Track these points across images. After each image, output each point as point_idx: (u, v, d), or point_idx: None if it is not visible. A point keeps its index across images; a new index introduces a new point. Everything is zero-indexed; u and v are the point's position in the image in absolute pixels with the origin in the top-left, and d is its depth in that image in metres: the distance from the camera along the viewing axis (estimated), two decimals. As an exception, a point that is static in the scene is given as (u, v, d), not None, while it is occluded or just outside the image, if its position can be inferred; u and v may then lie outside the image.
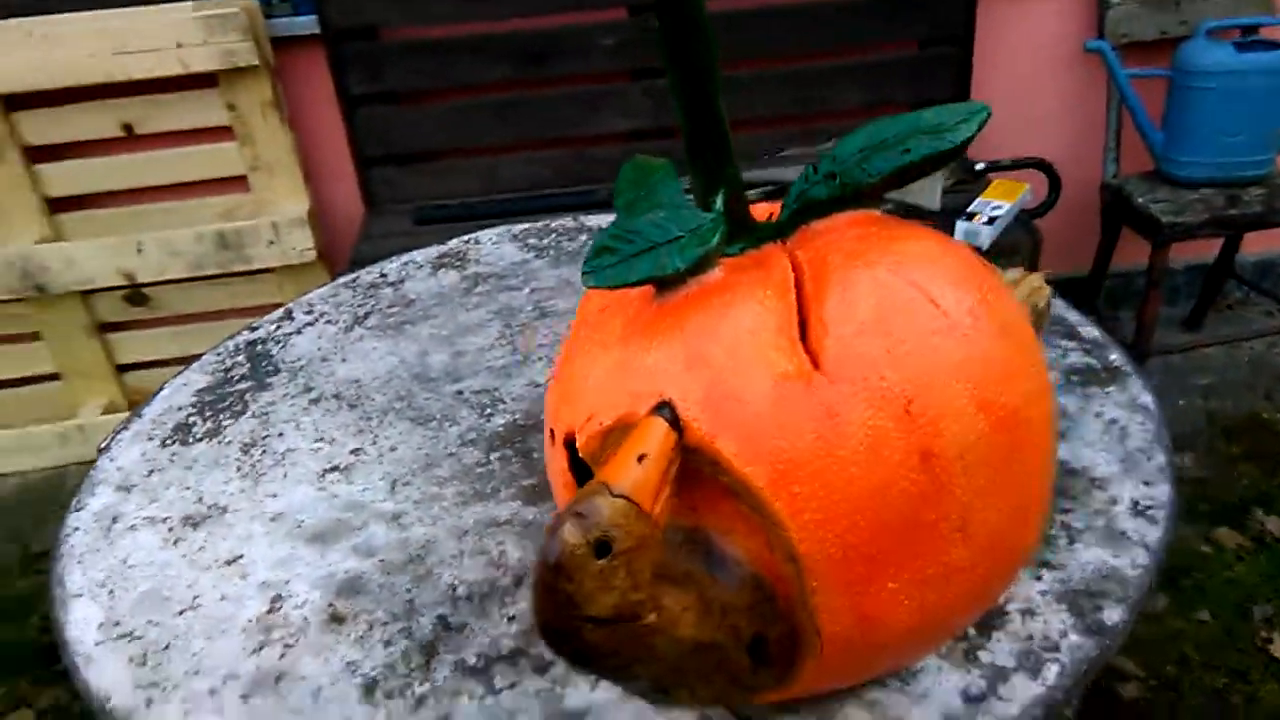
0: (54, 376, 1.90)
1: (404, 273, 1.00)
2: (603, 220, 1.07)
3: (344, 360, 0.85)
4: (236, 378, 0.84)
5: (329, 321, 0.93)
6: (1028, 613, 0.51)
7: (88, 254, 1.74)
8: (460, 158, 1.78)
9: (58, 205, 1.80)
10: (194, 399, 0.82)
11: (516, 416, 0.73)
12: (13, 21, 1.61)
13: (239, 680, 0.52)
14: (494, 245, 1.05)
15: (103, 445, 0.78)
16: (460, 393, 0.78)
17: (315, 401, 0.79)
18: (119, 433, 0.79)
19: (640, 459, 0.35)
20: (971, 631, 0.51)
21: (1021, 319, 0.43)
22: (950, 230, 1.46)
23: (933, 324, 0.39)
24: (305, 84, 1.75)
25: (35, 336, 1.88)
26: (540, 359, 0.82)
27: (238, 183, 1.78)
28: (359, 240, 1.69)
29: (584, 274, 0.39)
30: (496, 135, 1.74)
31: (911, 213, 1.60)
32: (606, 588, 0.33)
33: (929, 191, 1.57)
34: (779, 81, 1.80)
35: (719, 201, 0.41)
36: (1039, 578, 0.54)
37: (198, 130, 1.74)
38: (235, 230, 1.72)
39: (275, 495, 0.68)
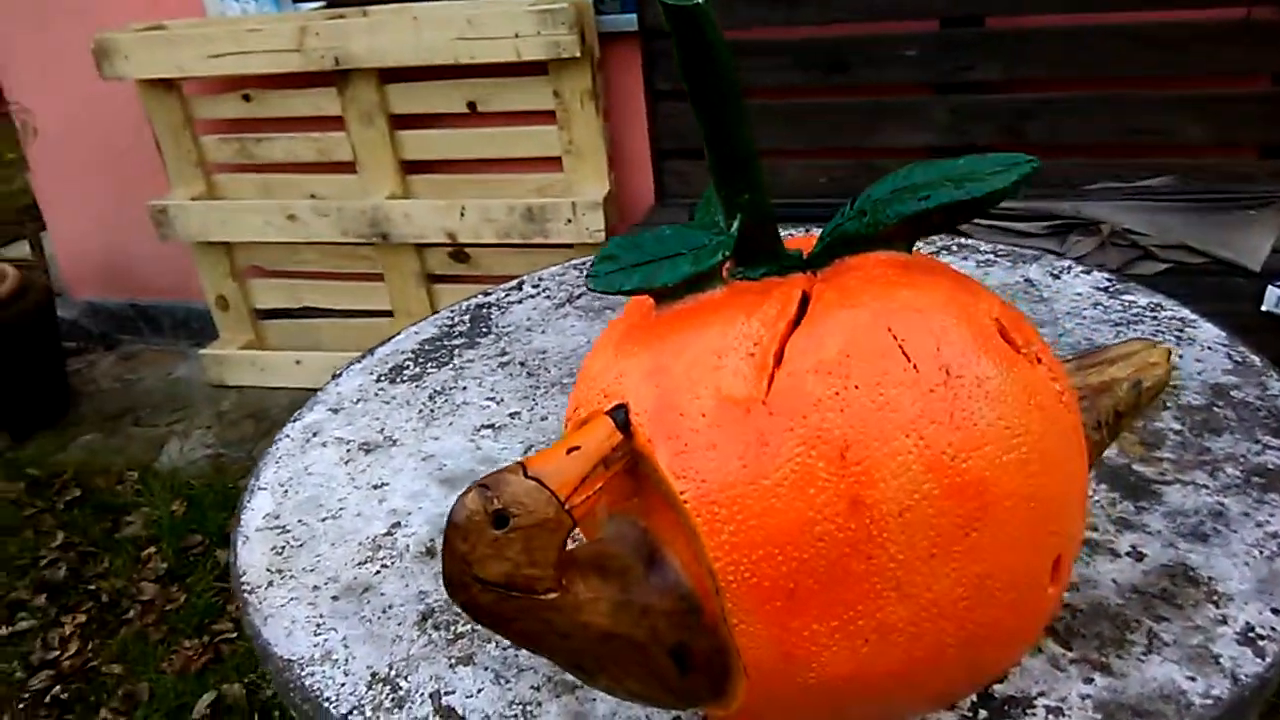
0: (387, 313, 2.22)
1: None
2: None
3: (543, 333, 0.93)
4: (456, 334, 0.95)
5: (547, 296, 1.02)
6: (1056, 711, 0.47)
7: (422, 212, 2.00)
8: (750, 159, 1.83)
9: (409, 167, 2.09)
10: (416, 346, 0.94)
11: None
12: (394, 5, 1.89)
13: (337, 584, 0.62)
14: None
15: (337, 373, 0.93)
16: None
17: (503, 365, 0.88)
18: (352, 364, 0.93)
19: (570, 451, 0.39)
20: (984, 713, 0.48)
21: (1042, 392, 0.40)
22: (1261, 294, 1.27)
23: (895, 375, 0.38)
24: (622, 77, 1.89)
25: (379, 278, 2.20)
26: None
27: (553, 163, 1.96)
28: (645, 220, 1.80)
29: (587, 277, 0.42)
30: (784, 139, 1.77)
31: (1230, 269, 1.41)
32: (499, 557, 0.36)
33: (1253, 250, 1.38)
34: (1101, 107, 1.65)
35: (734, 226, 0.43)
36: (1090, 680, 0.49)
37: (527, 113, 1.94)
38: (541, 206, 1.90)
39: (436, 439, 0.77)
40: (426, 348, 0.93)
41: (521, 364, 0.87)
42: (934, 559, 0.38)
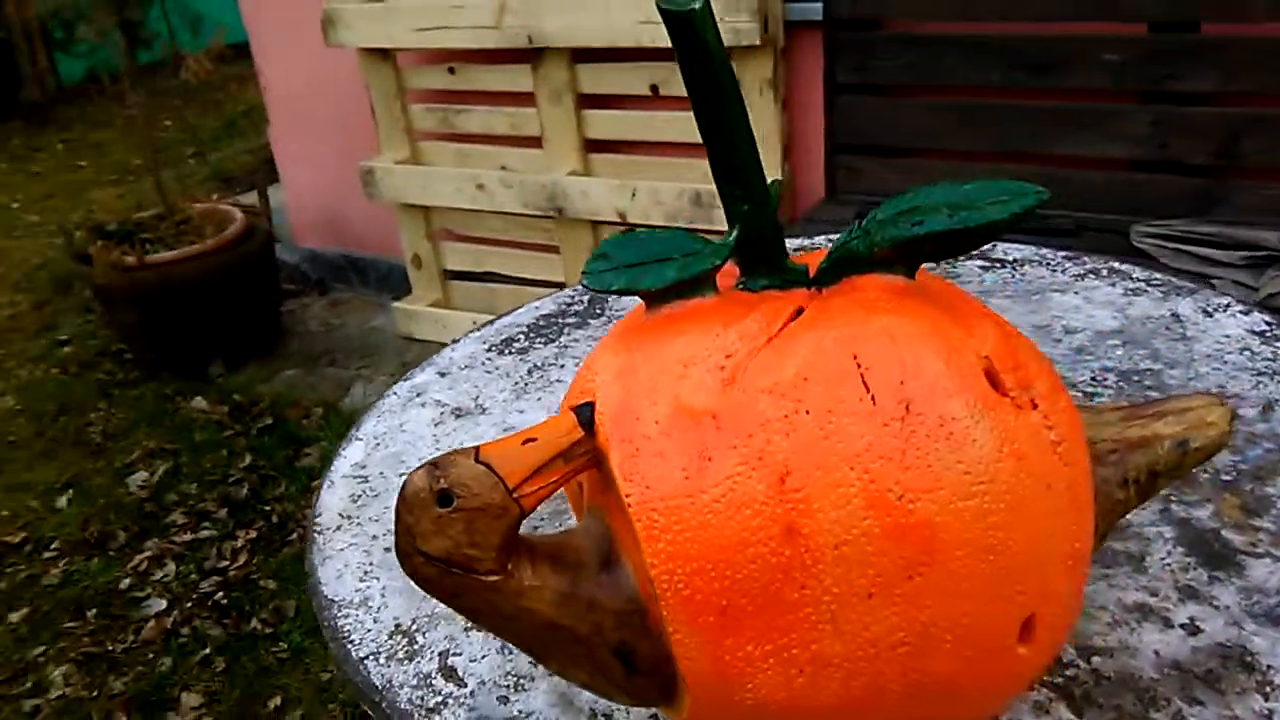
0: (560, 284, 2.29)
1: None
2: (1022, 250, 1.00)
3: (650, 320, 0.95)
4: (571, 312, 0.98)
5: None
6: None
7: (597, 190, 2.05)
8: (926, 158, 1.76)
9: (591, 145, 2.15)
10: (532, 320, 0.98)
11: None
12: (589, -12, 1.94)
13: (392, 537, 0.66)
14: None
15: (454, 340, 0.98)
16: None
17: (604, 347, 0.90)
18: (471, 332, 0.98)
19: (526, 442, 0.40)
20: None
21: (1024, 440, 0.37)
22: None
23: (849, 404, 0.36)
24: (805, 67, 1.86)
25: (555, 250, 2.28)
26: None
27: (728, 150, 1.96)
28: (800, 220, 1.77)
29: (582, 272, 0.43)
30: (970, 140, 1.68)
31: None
32: (441, 534, 0.38)
33: None
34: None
35: (732, 235, 0.42)
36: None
37: (707, 98, 1.94)
38: (710, 192, 1.91)
39: (521, 412, 0.80)
40: (540, 323, 0.96)
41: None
42: (873, 598, 0.36)
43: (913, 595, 0.36)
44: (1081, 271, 0.94)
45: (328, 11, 2.25)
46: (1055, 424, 0.39)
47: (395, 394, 0.86)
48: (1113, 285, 0.90)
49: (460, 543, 0.39)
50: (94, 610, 1.67)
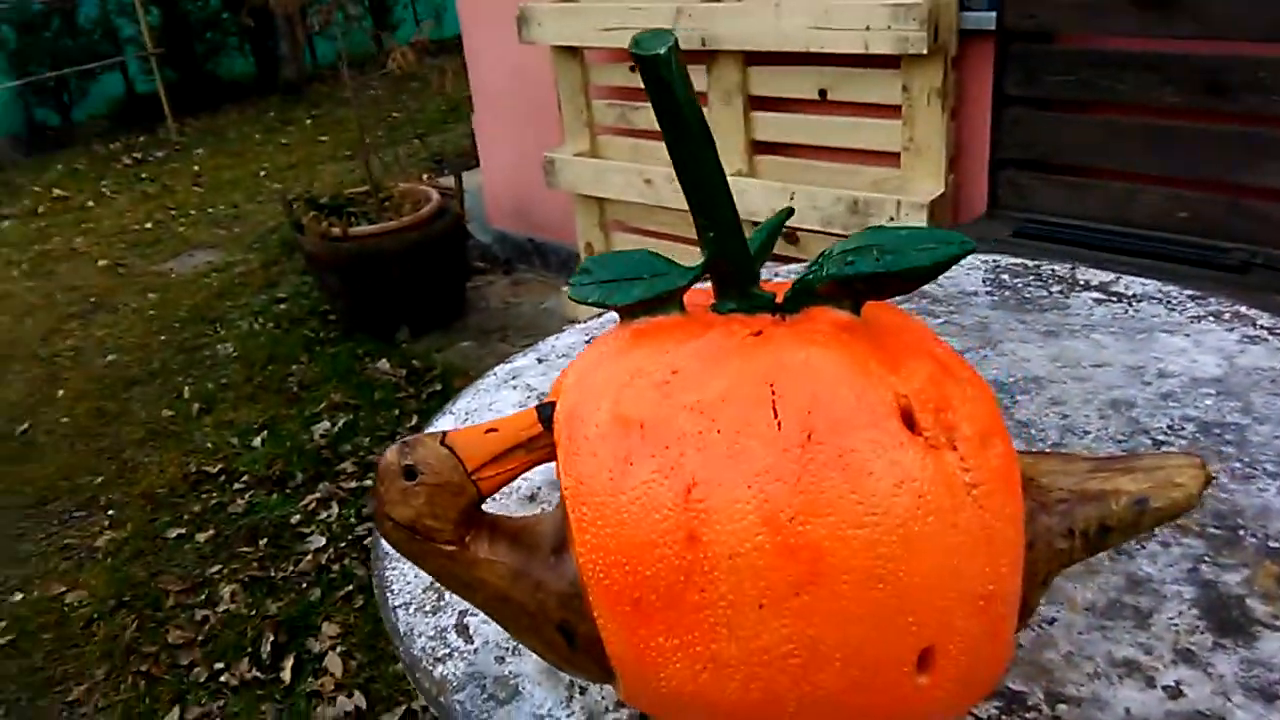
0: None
1: None
2: (1145, 286, 0.96)
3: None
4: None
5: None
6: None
7: (756, 192, 2.08)
8: (1092, 177, 1.66)
9: (758, 147, 2.17)
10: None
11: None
12: (765, -7, 1.96)
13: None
14: (965, 274, 1.03)
15: (563, 327, 1.05)
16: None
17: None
18: (577, 324, 1.04)
19: (489, 431, 0.45)
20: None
21: (927, 479, 0.39)
22: None
23: (757, 427, 0.39)
24: (976, 77, 1.80)
25: (718, 247, 2.32)
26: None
27: (891, 159, 1.93)
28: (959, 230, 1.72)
29: (568, 283, 0.48)
30: (1141, 162, 1.58)
31: None
32: (405, 503, 0.44)
33: None
34: None
35: (702, 260, 0.46)
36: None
37: (874, 105, 1.92)
38: (865, 200, 1.89)
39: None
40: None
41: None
42: (763, 609, 0.39)
43: (800, 611, 0.39)
44: (1201, 313, 0.89)
45: (522, 10, 2.39)
46: (974, 467, 0.40)
47: (494, 374, 0.93)
48: (1230, 330, 0.85)
49: (422, 513, 0.44)
50: (265, 539, 1.87)
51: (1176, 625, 0.54)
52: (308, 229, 2.60)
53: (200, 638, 1.59)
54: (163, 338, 2.89)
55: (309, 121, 5.74)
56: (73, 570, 1.82)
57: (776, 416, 0.39)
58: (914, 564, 0.39)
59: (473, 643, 0.60)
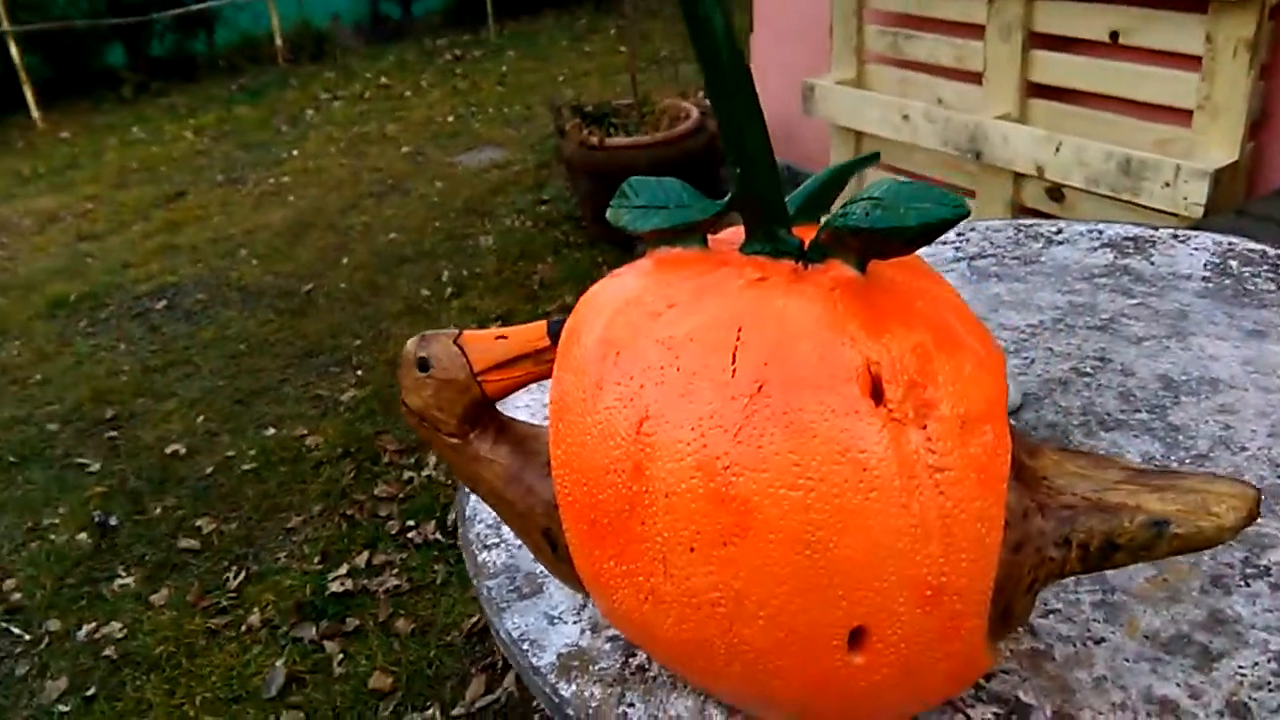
0: (966, 232, 2.19)
1: (1068, 237, 0.98)
2: None
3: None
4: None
5: (956, 249, 0.99)
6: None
7: (1018, 138, 1.91)
8: None
9: (1032, 90, 1.99)
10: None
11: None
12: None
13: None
14: (1189, 253, 0.92)
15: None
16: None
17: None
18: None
19: (499, 338, 0.47)
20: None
21: (876, 452, 0.37)
22: None
23: (713, 372, 0.39)
24: (1303, 30, 1.54)
25: (973, 195, 2.17)
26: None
27: (1182, 116, 1.70)
28: (1241, 207, 1.51)
29: (609, 206, 0.48)
30: None
31: None
32: (416, 392, 0.47)
33: None
34: None
35: (728, 197, 0.44)
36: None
37: (1171, 54, 1.70)
38: (1141, 161, 1.68)
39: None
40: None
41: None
42: (694, 553, 0.39)
43: (727, 561, 0.38)
44: None
45: (803, -74, 2.30)
46: (943, 451, 0.37)
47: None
48: None
49: (429, 404, 0.48)
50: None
51: (1243, 675, 0.48)
52: (569, 135, 2.71)
53: (401, 495, 1.76)
54: (437, 224, 3.14)
55: (613, 32, 5.90)
56: (316, 418, 2.06)
57: (734, 363, 0.38)
58: (847, 537, 0.37)
59: (520, 544, 0.63)
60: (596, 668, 0.52)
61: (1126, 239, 0.96)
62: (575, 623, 0.55)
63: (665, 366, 0.40)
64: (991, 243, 0.99)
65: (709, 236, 0.47)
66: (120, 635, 1.51)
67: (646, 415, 0.40)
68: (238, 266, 2.98)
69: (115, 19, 5.63)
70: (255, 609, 1.53)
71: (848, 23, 2.39)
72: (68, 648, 1.51)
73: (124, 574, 1.65)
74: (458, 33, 6.26)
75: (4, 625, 1.56)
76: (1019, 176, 2.01)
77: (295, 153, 4.16)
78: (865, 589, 0.38)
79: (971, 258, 0.96)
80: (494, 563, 0.61)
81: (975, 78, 2.10)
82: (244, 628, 1.50)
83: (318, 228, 3.23)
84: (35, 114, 5.09)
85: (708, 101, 2.62)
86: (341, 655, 1.41)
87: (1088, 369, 0.75)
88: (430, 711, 1.28)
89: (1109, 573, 0.54)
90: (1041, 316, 0.83)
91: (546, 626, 0.55)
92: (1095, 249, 0.94)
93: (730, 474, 0.38)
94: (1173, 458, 0.64)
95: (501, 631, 0.56)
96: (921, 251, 0.98)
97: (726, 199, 0.45)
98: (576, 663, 0.53)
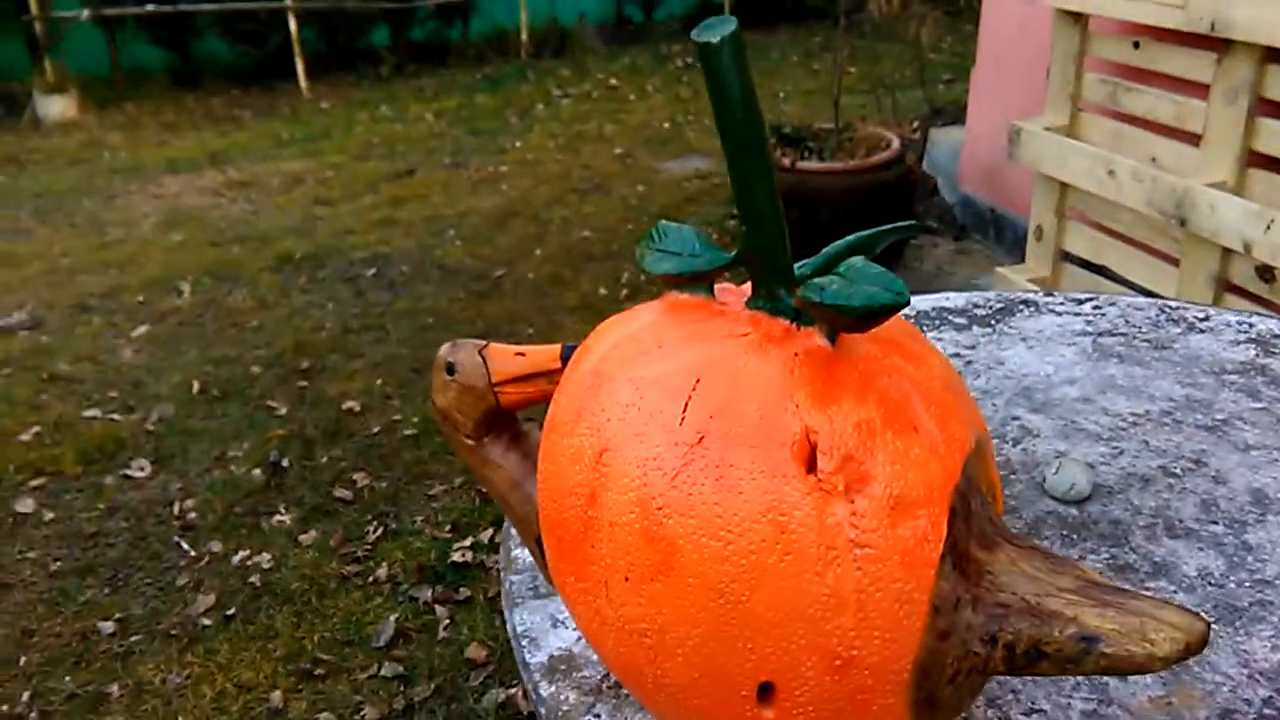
0: (1163, 302, 2.03)
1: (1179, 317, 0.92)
2: None
3: (1041, 352, 0.90)
4: (972, 311, 0.98)
5: (1088, 321, 0.95)
6: None
7: (1227, 209, 1.76)
8: None
9: (1254, 159, 1.83)
10: (932, 307, 0.99)
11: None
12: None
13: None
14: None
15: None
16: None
17: (968, 365, 0.89)
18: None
19: (518, 355, 0.51)
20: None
21: (796, 517, 0.38)
22: None
23: (665, 416, 0.41)
24: None
25: (1176, 263, 2.02)
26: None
27: None
28: None
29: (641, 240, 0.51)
30: None
31: None
32: (442, 393, 0.52)
33: None
34: None
35: (734, 252, 0.47)
36: None
37: None
38: (1365, 249, 1.52)
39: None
40: (935, 312, 0.98)
41: (980, 371, 0.86)
42: (628, 583, 0.42)
43: (654, 597, 0.41)
44: None
45: (1029, -35, 2.22)
46: (867, 529, 0.38)
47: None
48: None
49: (452, 405, 0.52)
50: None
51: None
52: (767, 155, 2.73)
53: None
54: (629, 226, 3.24)
55: (847, 52, 5.84)
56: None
57: (685, 411, 0.41)
58: (759, 593, 0.39)
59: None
60: (579, 675, 0.55)
61: (1278, 336, 0.89)
62: (574, 629, 0.59)
63: (630, 404, 0.43)
64: (1127, 320, 0.94)
65: (726, 286, 0.50)
66: (268, 565, 1.68)
67: (607, 447, 0.43)
68: (443, 245, 3.19)
69: (385, 3, 6.14)
70: (384, 564, 1.66)
71: (1067, 67, 2.28)
72: (222, 569, 1.69)
73: (283, 511, 1.83)
74: (690, 40, 6.41)
75: (176, 539, 1.77)
76: (1227, 251, 1.86)
77: (518, 144, 4.40)
78: (774, 646, 0.39)
79: (1100, 334, 0.92)
80: (522, 559, 0.65)
81: (1193, 139, 1.95)
82: (371, 579, 1.63)
83: (522, 217, 3.41)
84: (303, 84, 5.64)
85: (916, 134, 2.57)
86: (448, 621, 1.51)
87: (1177, 469, 0.71)
88: (514, 691, 1.35)
89: (1110, 683, 0.52)
90: (1150, 407, 0.79)
91: (549, 628, 0.59)
92: (1239, 343, 0.88)
93: (662, 514, 0.40)
94: (1232, 578, 0.59)
95: (510, 624, 0.60)
96: (1051, 322, 0.95)
97: (733, 255, 0.47)
98: (564, 666, 0.56)
